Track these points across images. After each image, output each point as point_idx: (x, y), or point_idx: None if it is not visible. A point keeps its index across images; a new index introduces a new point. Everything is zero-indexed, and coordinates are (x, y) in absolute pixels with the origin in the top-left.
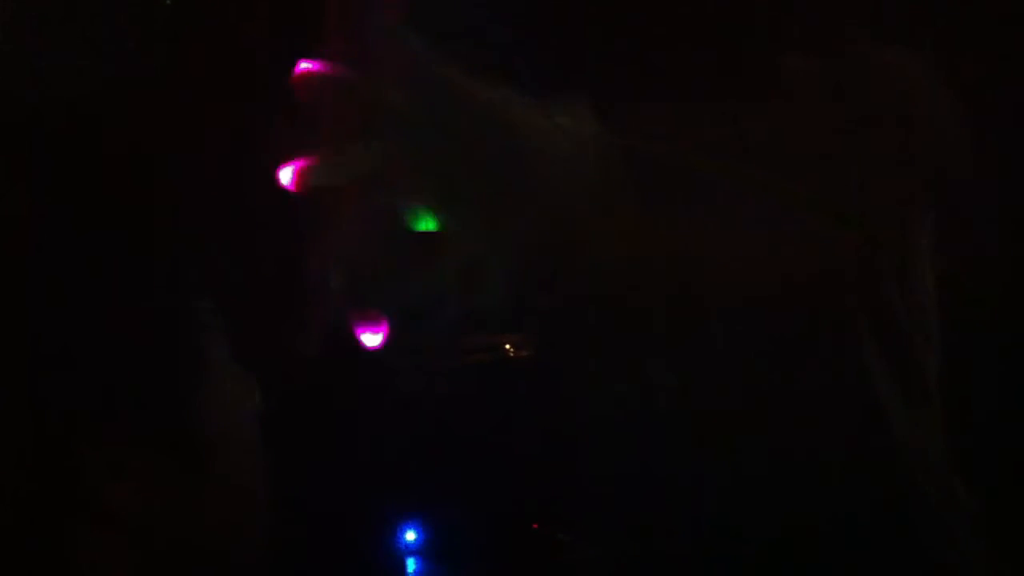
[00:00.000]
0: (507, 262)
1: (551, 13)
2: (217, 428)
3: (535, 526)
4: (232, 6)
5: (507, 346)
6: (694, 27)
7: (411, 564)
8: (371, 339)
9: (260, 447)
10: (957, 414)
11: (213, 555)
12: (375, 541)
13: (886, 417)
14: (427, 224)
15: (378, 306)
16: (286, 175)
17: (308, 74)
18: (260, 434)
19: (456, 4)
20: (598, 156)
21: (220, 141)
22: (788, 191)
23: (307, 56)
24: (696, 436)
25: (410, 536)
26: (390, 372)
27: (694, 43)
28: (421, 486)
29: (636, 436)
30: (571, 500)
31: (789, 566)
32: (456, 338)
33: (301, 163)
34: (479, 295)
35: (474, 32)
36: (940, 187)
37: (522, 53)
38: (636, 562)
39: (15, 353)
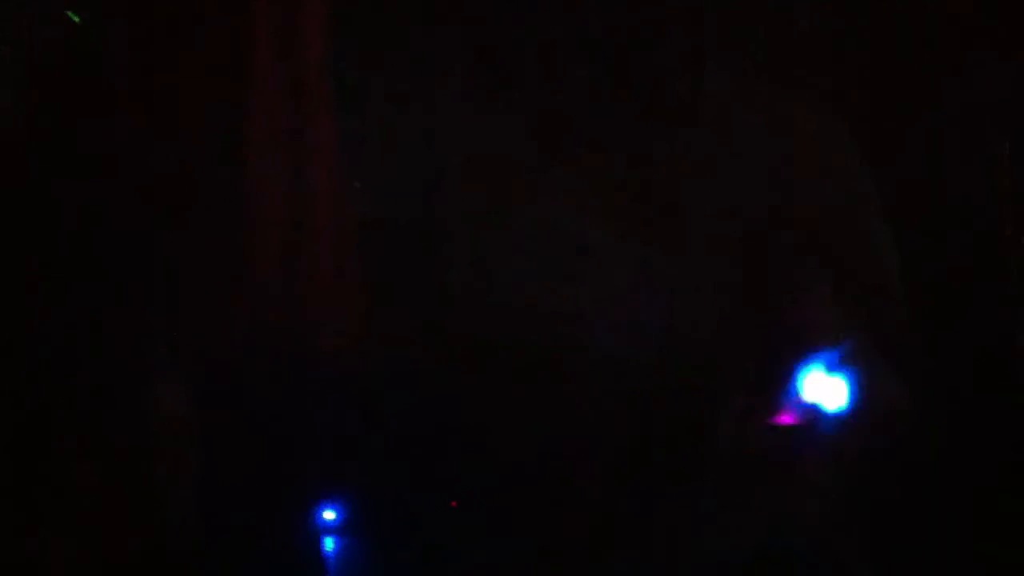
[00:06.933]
0: None
1: None
2: (157, 424)
3: (454, 504)
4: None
5: None
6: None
7: (330, 543)
8: None
9: (190, 440)
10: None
11: (153, 542)
12: (296, 522)
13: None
14: None
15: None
16: None
17: None
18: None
19: None
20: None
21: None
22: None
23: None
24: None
25: (329, 515)
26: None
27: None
28: (344, 464)
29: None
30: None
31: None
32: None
33: None
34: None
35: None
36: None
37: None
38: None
39: None
